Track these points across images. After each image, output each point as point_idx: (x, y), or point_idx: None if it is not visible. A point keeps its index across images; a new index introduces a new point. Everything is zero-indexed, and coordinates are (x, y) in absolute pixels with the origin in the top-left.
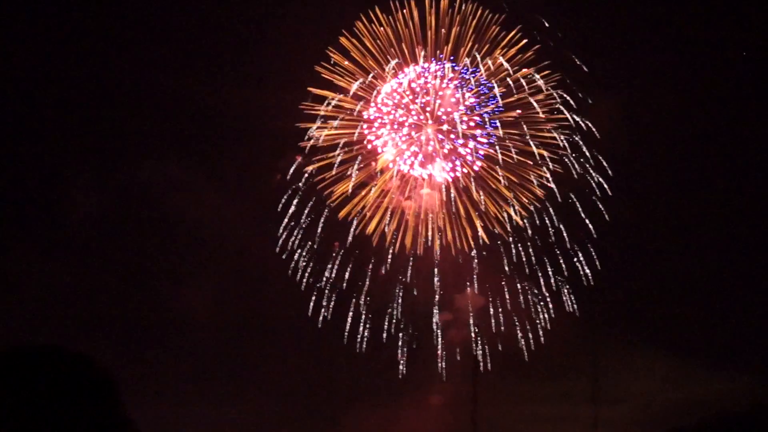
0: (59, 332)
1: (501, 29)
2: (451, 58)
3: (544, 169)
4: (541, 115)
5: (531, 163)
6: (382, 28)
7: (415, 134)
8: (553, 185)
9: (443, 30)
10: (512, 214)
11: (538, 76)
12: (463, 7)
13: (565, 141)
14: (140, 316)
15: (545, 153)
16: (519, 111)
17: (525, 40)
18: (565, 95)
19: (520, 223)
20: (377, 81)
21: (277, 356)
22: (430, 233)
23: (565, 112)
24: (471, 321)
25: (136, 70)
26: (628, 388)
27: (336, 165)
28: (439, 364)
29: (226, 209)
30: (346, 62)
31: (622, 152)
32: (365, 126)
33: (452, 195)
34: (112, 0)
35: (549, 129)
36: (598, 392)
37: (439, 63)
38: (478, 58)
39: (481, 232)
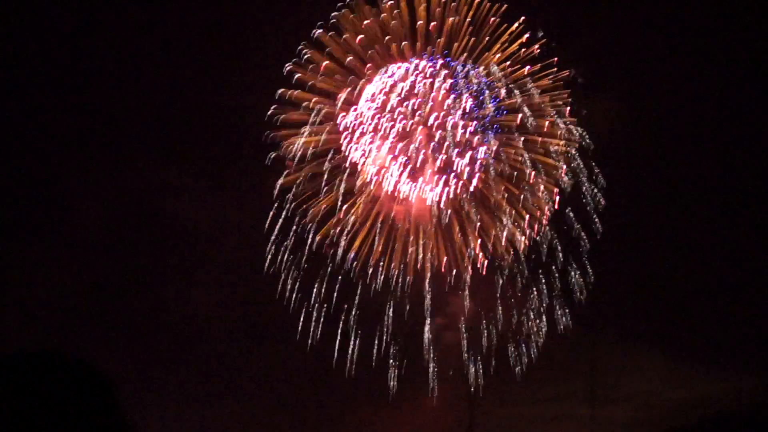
0: (60, 335)
1: (501, 22)
2: (445, 52)
3: (549, 184)
4: (544, 123)
5: (533, 178)
6: (366, 21)
7: (402, 146)
8: (555, 202)
9: (434, 23)
10: (517, 235)
11: (532, 86)
12: None
13: (568, 152)
14: (139, 320)
15: (553, 162)
16: (520, 115)
17: (527, 34)
18: (560, 103)
19: (525, 244)
20: (360, 80)
21: (268, 374)
22: (420, 255)
23: (560, 123)
24: (463, 340)
25: (138, 75)
26: (629, 389)
27: (308, 181)
28: (431, 385)
29: (227, 219)
30: (326, 62)
31: (617, 161)
32: (347, 134)
33: (445, 212)
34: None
35: (544, 140)
36: (595, 394)
37: (430, 59)
38: (469, 66)
39: (477, 253)
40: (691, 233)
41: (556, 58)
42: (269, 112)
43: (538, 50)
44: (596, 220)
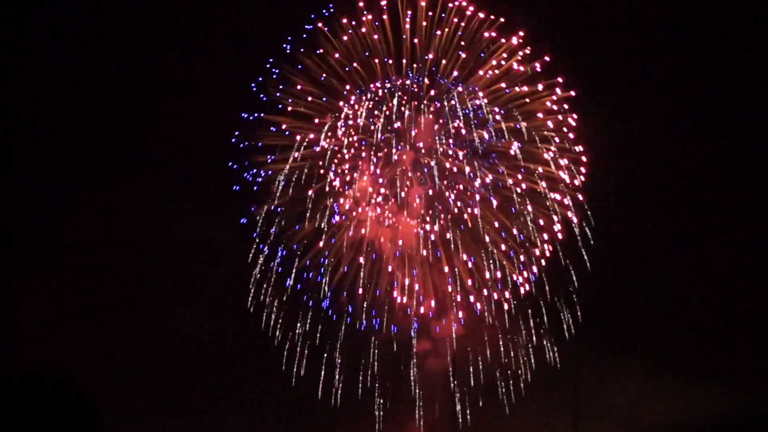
0: (48, 353)
1: (497, 37)
2: (433, 69)
3: (545, 217)
4: (544, 151)
5: (529, 213)
6: (344, 36)
7: (386, 174)
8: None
9: (417, 40)
10: (510, 274)
11: (532, 109)
12: (449, 5)
13: (567, 185)
14: (127, 339)
15: (551, 195)
16: (516, 142)
17: (527, 49)
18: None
19: (524, 289)
20: (337, 101)
21: (253, 400)
22: (406, 292)
23: (552, 165)
24: (453, 380)
25: (127, 89)
26: (614, 404)
27: (288, 209)
28: (417, 416)
29: (219, 238)
30: (299, 86)
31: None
32: (327, 161)
33: (432, 251)
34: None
35: (544, 170)
36: (579, 410)
37: (417, 78)
38: (460, 86)
39: (468, 294)
40: (678, 250)
41: (560, 79)
42: (233, 138)
43: (540, 68)
44: (585, 257)
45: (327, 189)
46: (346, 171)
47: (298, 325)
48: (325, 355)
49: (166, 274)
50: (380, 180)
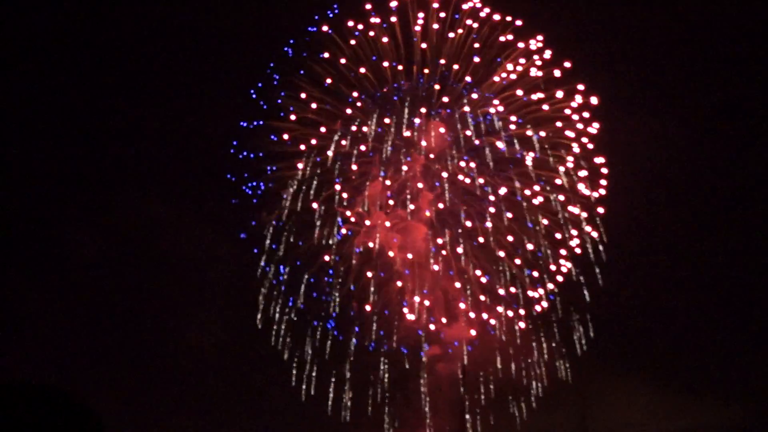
0: (53, 368)
1: (514, 40)
2: (445, 73)
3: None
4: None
5: (543, 228)
6: (351, 40)
7: (397, 183)
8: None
9: (427, 44)
10: (528, 290)
11: (549, 115)
12: (462, 7)
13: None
14: (134, 355)
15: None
16: (534, 154)
17: (546, 54)
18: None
19: (542, 306)
20: (343, 109)
21: (263, 415)
22: (416, 307)
23: (569, 177)
24: (462, 390)
25: (134, 110)
26: (620, 419)
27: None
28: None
29: (222, 253)
30: (304, 95)
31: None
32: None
33: (444, 268)
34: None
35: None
36: (585, 425)
37: (427, 84)
38: (475, 91)
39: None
40: (684, 267)
41: (581, 85)
42: (231, 149)
43: (559, 73)
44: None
45: (336, 201)
46: (354, 178)
47: (307, 342)
48: (333, 378)
49: (168, 282)
50: (389, 193)
